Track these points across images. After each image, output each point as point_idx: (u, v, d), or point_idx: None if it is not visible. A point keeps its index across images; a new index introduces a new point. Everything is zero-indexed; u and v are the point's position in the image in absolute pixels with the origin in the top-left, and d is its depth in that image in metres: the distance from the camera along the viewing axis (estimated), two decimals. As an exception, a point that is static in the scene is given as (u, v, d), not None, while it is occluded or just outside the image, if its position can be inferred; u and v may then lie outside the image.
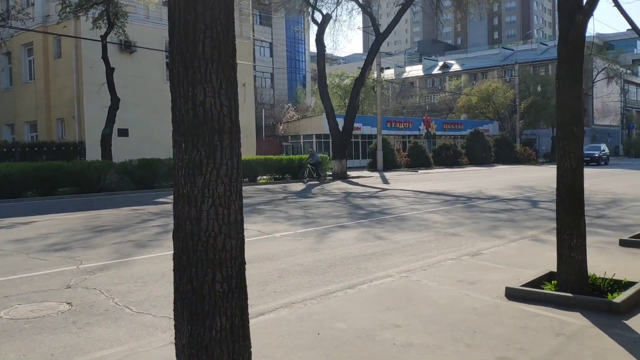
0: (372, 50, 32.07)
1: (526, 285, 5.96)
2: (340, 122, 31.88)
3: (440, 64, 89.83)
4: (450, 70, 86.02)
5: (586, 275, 5.81)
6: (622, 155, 72.50)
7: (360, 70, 32.87)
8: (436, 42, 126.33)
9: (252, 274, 6.84)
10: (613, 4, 9.19)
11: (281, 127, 44.12)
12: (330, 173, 31.63)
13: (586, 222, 11.82)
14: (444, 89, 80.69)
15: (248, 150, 32.58)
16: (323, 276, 6.91)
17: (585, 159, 35.67)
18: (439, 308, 5.46)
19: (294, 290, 6.18)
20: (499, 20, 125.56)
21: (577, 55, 5.70)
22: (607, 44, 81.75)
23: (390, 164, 39.81)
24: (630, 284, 5.89)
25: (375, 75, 41.57)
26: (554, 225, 11.25)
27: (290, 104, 48.79)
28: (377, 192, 20.87)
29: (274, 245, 9.28)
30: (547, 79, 67.55)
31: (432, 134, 52.35)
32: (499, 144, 51.36)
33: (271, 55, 62.17)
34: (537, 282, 6.09)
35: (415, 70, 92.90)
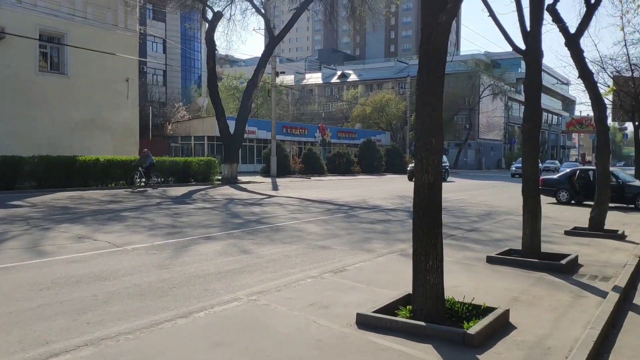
0: (266, 53, 31.35)
1: (380, 310, 5.38)
2: (233, 125, 30.79)
3: (339, 73, 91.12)
4: (348, 80, 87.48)
5: (442, 300, 5.33)
6: (504, 168, 77.18)
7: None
8: (336, 52, 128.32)
9: (73, 298, 5.76)
10: (488, 14, 9.09)
11: (170, 127, 42.07)
12: (220, 177, 30.46)
13: (458, 235, 11.83)
14: (341, 98, 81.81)
15: (129, 150, 30.53)
16: (159, 301, 5.95)
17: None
18: (278, 341, 4.72)
19: (114, 321, 5.17)
20: (396, 34, 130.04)
21: (439, 58, 5.23)
22: (494, 62, 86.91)
23: (284, 170, 39.26)
24: (489, 309, 5.50)
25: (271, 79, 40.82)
26: None
27: (181, 103, 46.78)
28: (262, 199, 20.07)
29: (118, 260, 8.15)
30: (437, 93, 70.50)
31: (327, 142, 52.57)
32: (389, 154, 52.54)
33: (164, 52, 59.61)
34: (392, 307, 5.54)
35: (314, 78, 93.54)
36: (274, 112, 38.52)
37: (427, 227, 5.32)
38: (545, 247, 9.77)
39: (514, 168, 49.92)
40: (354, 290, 6.55)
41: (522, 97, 79.75)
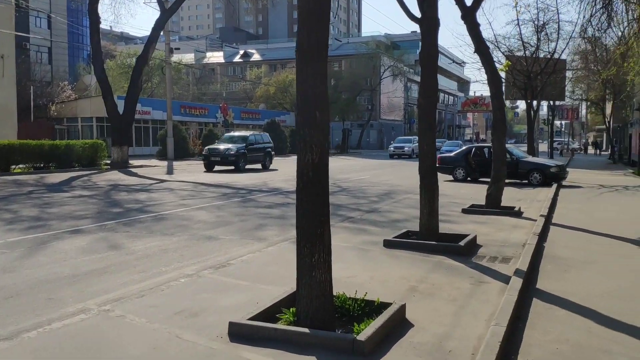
0: (157, 27, 29.18)
1: (258, 316, 4.53)
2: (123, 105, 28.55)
3: (242, 52, 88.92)
4: (251, 60, 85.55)
5: (331, 299, 4.57)
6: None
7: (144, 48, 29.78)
8: (238, 30, 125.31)
9: None
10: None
11: (53, 108, 38.63)
12: (109, 162, 28.23)
13: (357, 218, 11.27)
14: (244, 78, 79.88)
15: (5, 133, 27.50)
16: (-18, 317, 4.73)
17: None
18: (124, 368, 3.74)
19: None
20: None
21: (319, 16, 4.39)
22: (394, 44, 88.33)
23: (183, 153, 37.37)
24: (383, 306, 4.82)
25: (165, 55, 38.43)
26: None
27: (66, 82, 43.12)
28: (152, 184, 18.57)
29: (-50, 264, 6.70)
30: (339, 73, 70.66)
31: (229, 122, 50.93)
32: (294, 135, 51.70)
33: (49, 27, 54.84)
34: (274, 310, 4.71)
35: (216, 57, 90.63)
36: (169, 90, 36.41)
37: (312, 216, 4.52)
38: (443, 227, 9.38)
39: (392, 148, 44.64)
40: (235, 290, 5.66)
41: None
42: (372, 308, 4.82)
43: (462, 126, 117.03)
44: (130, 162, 29.66)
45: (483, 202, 12.27)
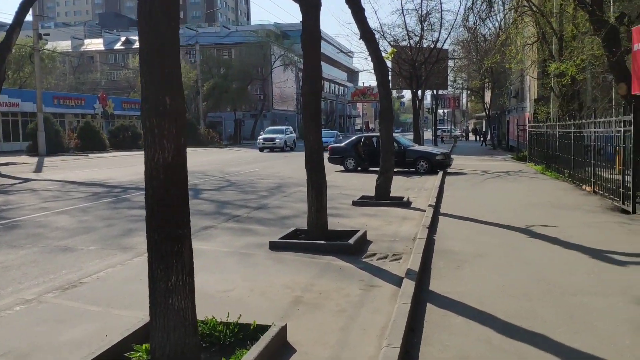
0: (21, 10, 26.19)
1: (102, 358, 3.61)
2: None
3: (123, 39, 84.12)
4: (134, 47, 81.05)
5: (194, 329, 3.73)
6: (299, 137, 78.91)
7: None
8: (119, 16, 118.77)
9: None
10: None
11: None
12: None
13: (243, 216, 10.44)
14: (127, 66, 75.53)
15: None
16: None
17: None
18: None
19: None
20: (184, 0, 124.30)
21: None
22: (284, 33, 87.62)
23: (56, 147, 34.28)
24: (261, 329, 4.07)
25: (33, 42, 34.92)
26: (205, 223, 9.44)
27: None
28: (13, 184, 16.48)
29: None
30: (229, 62, 68.86)
31: (109, 113, 47.78)
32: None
33: None
34: (123, 347, 3.81)
35: (95, 44, 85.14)
36: (38, 80, 33.20)
37: (166, 230, 3.65)
38: (333, 222, 8.87)
39: (261, 140, 37.99)
40: (82, 319, 4.66)
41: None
42: (248, 333, 4.07)
43: (352, 116, 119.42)
44: (-7, 159, 26.64)
45: (373, 193, 11.95)
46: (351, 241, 7.24)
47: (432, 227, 8.77)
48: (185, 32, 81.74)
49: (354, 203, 11.62)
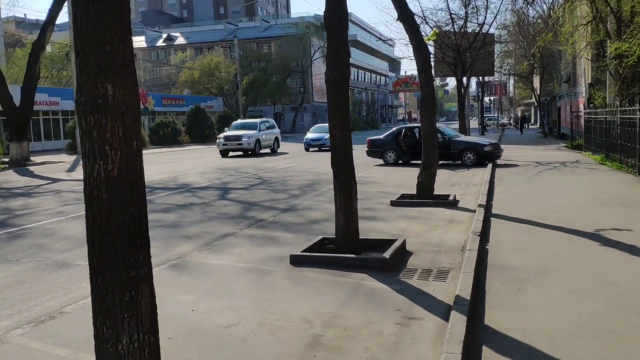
0: (53, 8, 26.00)
1: None
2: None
3: (165, 36, 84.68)
4: (175, 43, 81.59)
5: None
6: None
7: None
8: (161, 13, 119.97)
9: None
10: None
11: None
12: (7, 160, 25.08)
13: (269, 220, 9.40)
14: (168, 63, 75.94)
15: None
16: None
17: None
18: None
19: None
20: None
21: None
22: (324, 25, 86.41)
23: (96, 145, 34.15)
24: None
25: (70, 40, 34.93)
26: (226, 229, 8.46)
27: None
28: (41, 185, 16.01)
29: None
30: (269, 55, 68.15)
31: (149, 110, 47.71)
32: (222, 121, 49.13)
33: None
34: None
35: (137, 42, 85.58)
36: (75, 78, 33.05)
37: (114, 269, 2.63)
38: (367, 227, 7.80)
39: (222, 140, 26.88)
40: (40, 368, 3.71)
41: (352, 60, 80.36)
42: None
43: (394, 106, 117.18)
44: (33, 158, 26.60)
45: (414, 191, 10.74)
46: (387, 254, 6.11)
47: (484, 233, 7.53)
48: (226, 27, 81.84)
49: (393, 203, 10.44)
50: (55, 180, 17.28)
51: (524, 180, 13.88)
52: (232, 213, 10.04)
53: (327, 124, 23.81)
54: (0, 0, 49.60)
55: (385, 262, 5.97)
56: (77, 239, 8.05)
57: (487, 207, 9.71)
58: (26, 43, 57.22)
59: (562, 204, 9.95)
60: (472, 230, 7.49)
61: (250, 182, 15.37)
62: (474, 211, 9.25)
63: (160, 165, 22.91)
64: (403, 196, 10.98)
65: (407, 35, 11.05)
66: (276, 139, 28.78)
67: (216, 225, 8.85)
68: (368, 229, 8.05)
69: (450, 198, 10.44)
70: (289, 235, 7.90)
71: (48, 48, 51.12)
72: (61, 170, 21.30)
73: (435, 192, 10.77)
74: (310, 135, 29.58)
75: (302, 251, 6.44)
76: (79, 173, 20.08)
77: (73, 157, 29.18)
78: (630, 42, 14.46)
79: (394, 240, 6.78)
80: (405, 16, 10.34)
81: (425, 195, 10.52)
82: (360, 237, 6.77)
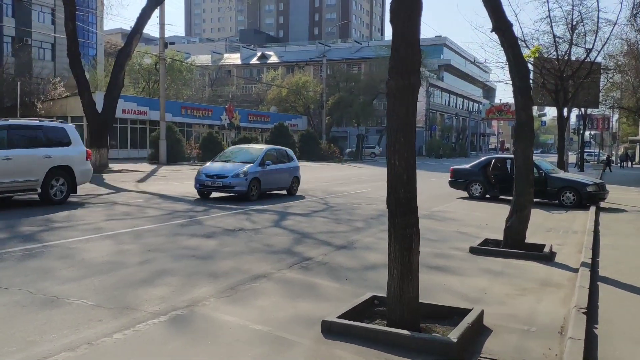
0: (143, 15, 26.23)
1: None
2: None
3: (259, 54, 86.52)
4: (269, 62, 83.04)
5: None
6: (425, 155, 75.36)
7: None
8: (258, 33, 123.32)
9: None
10: None
11: (39, 105, 36.04)
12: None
13: (317, 260, 7.57)
14: (261, 80, 77.09)
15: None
16: None
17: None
18: None
19: None
20: (320, 16, 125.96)
21: None
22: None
23: (177, 156, 34.43)
24: None
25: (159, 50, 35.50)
26: (262, 268, 6.92)
27: (58, 79, 40.51)
28: (100, 194, 15.46)
29: None
30: (357, 76, 67.25)
31: (235, 125, 47.97)
32: (304, 140, 48.58)
33: (53, 23, 52.64)
34: None
35: (232, 59, 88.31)
36: (162, 88, 33.58)
37: None
38: (435, 282, 6.17)
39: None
40: None
41: (443, 84, 77.52)
42: None
43: (486, 134, 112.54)
44: (113, 165, 26.84)
45: (501, 234, 8.86)
46: (454, 335, 4.42)
47: (591, 308, 5.61)
48: (318, 48, 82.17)
49: (473, 250, 8.61)
50: (119, 190, 16.78)
51: (635, 230, 11.50)
52: (278, 246, 8.63)
53: (246, 146, 17.62)
54: (103, 12, 51.95)
55: (452, 347, 4.28)
56: (91, 265, 6.94)
57: (593, 266, 7.66)
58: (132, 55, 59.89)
59: (695, 271, 7.70)
60: (575, 303, 5.59)
61: (314, 207, 13.97)
62: (576, 271, 7.27)
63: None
64: (486, 242, 9.12)
65: (503, 56, 9.27)
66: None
67: (254, 261, 7.47)
68: (436, 286, 6.35)
69: (546, 250, 8.46)
70: (334, 285, 6.35)
71: (147, 60, 53.28)
72: (133, 180, 21.01)
73: (526, 240, 8.83)
74: (210, 167, 16.01)
75: (340, 316, 4.86)
76: (147, 184, 19.67)
77: (152, 167, 29.28)
78: None
79: (468, 311, 5.06)
80: (501, 25, 8.59)
81: (514, 244, 8.60)
82: (422, 301, 5.12)
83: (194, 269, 6.88)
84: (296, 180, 17.26)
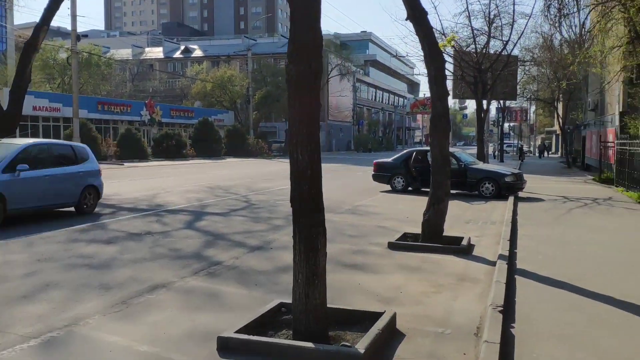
0: (51, 6, 24.39)
1: None
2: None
3: (182, 47, 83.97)
4: (192, 55, 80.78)
5: None
6: (354, 150, 75.97)
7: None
8: (182, 26, 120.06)
9: None
10: None
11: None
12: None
13: (226, 264, 6.54)
14: (184, 74, 74.88)
15: None
16: None
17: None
18: None
19: None
20: (245, 11, 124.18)
21: None
22: (343, 44, 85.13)
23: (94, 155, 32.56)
24: None
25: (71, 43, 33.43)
26: (163, 276, 5.82)
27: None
28: None
29: None
30: (283, 70, 66.57)
31: (156, 121, 46.15)
32: (231, 135, 47.55)
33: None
34: None
35: (154, 53, 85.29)
36: (75, 83, 31.63)
37: None
38: (350, 282, 5.81)
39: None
40: None
41: (369, 80, 77.97)
42: None
43: (412, 128, 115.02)
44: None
45: (420, 227, 8.63)
46: (361, 346, 4.02)
47: (508, 305, 5.40)
48: (244, 42, 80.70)
49: (391, 245, 8.34)
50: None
51: (552, 219, 11.68)
52: (187, 250, 8.00)
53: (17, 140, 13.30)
54: (12, 3, 48.51)
55: (359, 359, 3.87)
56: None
57: (510, 258, 7.56)
58: (39, 50, 56.38)
59: (607, 259, 7.76)
60: (492, 300, 5.35)
61: (234, 205, 13.36)
62: (494, 264, 7.13)
63: (150, 179, 21.08)
64: (405, 236, 8.89)
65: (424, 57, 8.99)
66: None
67: (155, 268, 6.82)
68: (351, 287, 5.98)
69: (464, 242, 8.31)
70: (242, 292, 5.83)
71: (63, 54, 50.14)
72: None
73: (445, 233, 8.66)
74: None
75: (240, 330, 4.35)
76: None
77: (64, 167, 27.50)
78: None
79: (380, 314, 4.69)
80: (416, 13, 8.34)
81: (432, 237, 8.40)
82: (333, 306, 4.73)
83: (84, 281, 6.15)
84: (93, 191, 11.90)
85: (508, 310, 5.19)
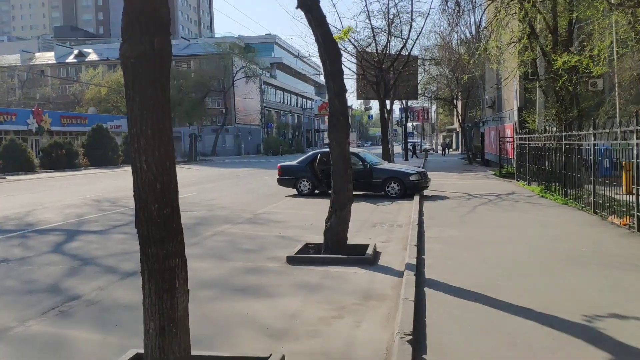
0: None
1: None
2: None
3: (76, 52, 78.97)
4: (87, 60, 76.11)
5: None
6: (263, 153, 74.78)
7: None
8: (76, 29, 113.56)
9: None
10: None
11: None
12: None
13: (89, 296, 5.50)
14: (78, 79, 70.33)
15: None
16: None
17: None
18: None
19: None
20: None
21: None
22: (248, 46, 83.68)
23: (-30, 169, 29.29)
24: None
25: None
26: (11, 316, 4.64)
27: None
28: None
29: None
30: (187, 73, 64.26)
31: (44, 129, 42.62)
32: (128, 142, 44.78)
33: None
34: None
35: (46, 58, 79.73)
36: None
37: None
38: (238, 311, 4.92)
39: None
40: None
41: (276, 82, 77.37)
42: None
43: (321, 130, 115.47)
44: None
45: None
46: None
47: (417, 329, 4.61)
48: (142, 43, 77.07)
49: (290, 260, 7.41)
50: None
51: (458, 219, 11.26)
52: (43, 281, 6.63)
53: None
54: None
55: None
56: None
57: (419, 266, 6.87)
58: None
59: (517, 261, 7.26)
60: (399, 325, 4.54)
61: (118, 220, 11.91)
62: (401, 274, 6.41)
63: (31, 194, 18.89)
64: (307, 247, 8.03)
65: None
66: None
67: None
68: (236, 318, 4.99)
69: (369, 251, 7.55)
70: (95, 338, 4.65)
71: None
72: None
73: (350, 239, 7.90)
74: None
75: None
76: None
77: None
78: (582, 54, 12.40)
79: None
80: (307, 2, 7.49)
81: (335, 247, 7.58)
82: (199, 354, 3.71)
83: None
84: None
85: (418, 338, 4.40)
